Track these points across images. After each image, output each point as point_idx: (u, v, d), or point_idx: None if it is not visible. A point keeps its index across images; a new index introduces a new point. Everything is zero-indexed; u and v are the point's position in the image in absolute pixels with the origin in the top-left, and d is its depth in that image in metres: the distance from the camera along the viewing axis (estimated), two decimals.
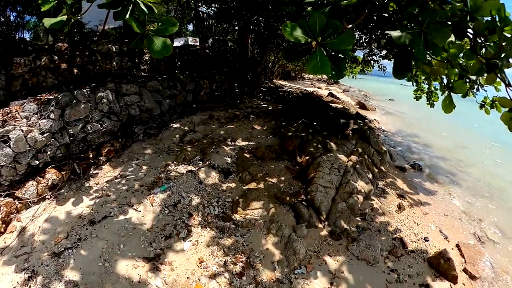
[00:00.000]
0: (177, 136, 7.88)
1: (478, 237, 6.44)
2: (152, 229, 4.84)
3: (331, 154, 7.17)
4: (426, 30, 2.63)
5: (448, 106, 3.60)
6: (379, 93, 31.99)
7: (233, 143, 7.73)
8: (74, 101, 5.90)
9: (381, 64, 15.18)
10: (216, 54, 12.41)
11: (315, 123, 9.18)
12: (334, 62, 2.40)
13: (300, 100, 10.57)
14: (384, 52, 13.70)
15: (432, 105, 11.26)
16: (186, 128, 8.31)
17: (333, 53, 2.40)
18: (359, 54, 15.79)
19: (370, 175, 7.35)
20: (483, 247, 6.14)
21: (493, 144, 15.76)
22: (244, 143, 7.83)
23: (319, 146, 7.55)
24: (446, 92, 3.74)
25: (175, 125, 8.30)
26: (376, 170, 8.15)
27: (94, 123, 6.26)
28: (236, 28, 12.63)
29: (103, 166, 6.49)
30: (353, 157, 7.55)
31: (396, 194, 7.22)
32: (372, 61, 14.90)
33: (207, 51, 12.23)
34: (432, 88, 10.90)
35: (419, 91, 11.95)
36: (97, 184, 5.93)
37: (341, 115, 10.10)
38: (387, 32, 2.76)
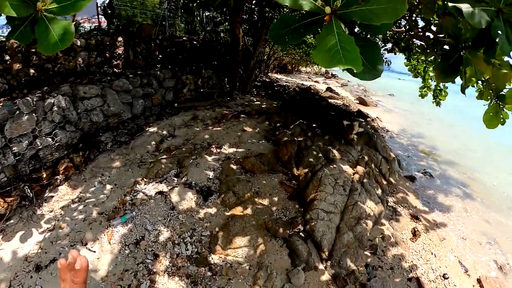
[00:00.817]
0: (153, 143, 6.61)
1: (499, 266, 5.35)
2: (108, 278, 3.65)
3: (334, 165, 5.95)
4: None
5: (493, 119, 2.44)
6: (378, 87, 30.65)
7: (218, 151, 6.47)
8: (17, 112, 4.61)
9: (386, 58, 13.88)
10: (204, 46, 11.05)
11: (314, 125, 7.93)
12: (365, 49, 1.27)
13: (298, 97, 9.28)
14: (389, 45, 12.44)
15: (438, 104, 10.08)
16: (164, 132, 7.04)
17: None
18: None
19: (379, 191, 6.17)
20: (506, 280, 5.05)
21: (503, 146, 14.59)
22: (231, 150, 6.58)
23: (320, 155, 6.31)
24: (494, 101, 2.55)
25: (151, 129, 7.03)
26: (385, 183, 6.98)
27: (44, 137, 4.97)
28: (228, 17, 11.25)
29: (60, 187, 5.32)
30: (360, 168, 6.35)
31: (409, 215, 6.06)
32: None
33: (194, 42, 10.86)
34: (441, 87, 9.77)
35: (426, 89, 10.81)
36: (50, 211, 4.81)
37: (344, 115, 8.85)
38: (452, 4, 1.52)
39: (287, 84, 17.97)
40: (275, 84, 14.43)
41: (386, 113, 17.64)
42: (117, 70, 7.41)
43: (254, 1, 10.91)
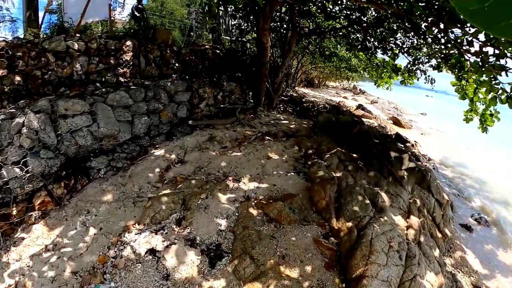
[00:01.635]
0: (157, 170, 5.28)
1: None
2: None
3: (385, 217, 4.39)
4: None
5: None
6: (408, 105, 28.55)
7: (235, 185, 5.04)
8: None
9: (429, 76, 12.10)
10: (228, 55, 9.76)
11: (355, 155, 6.39)
12: None
13: (333, 119, 7.76)
14: (434, 61, 10.75)
15: (485, 130, 8.39)
16: (172, 156, 5.70)
17: None
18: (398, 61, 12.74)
19: (436, 252, 4.59)
20: None
21: None
22: (252, 185, 5.13)
23: (367, 201, 4.76)
24: None
25: (157, 152, 5.70)
26: (440, 236, 5.36)
27: (11, 167, 3.73)
28: (254, 25, 9.97)
29: (34, 226, 4.11)
30: (414, 221, 4.79)
31: (471, 285, 4.45)
32: (418, 71, 11.86)
33: (217, 51, 9.59)
34: (492, 111, 8.07)
35: (472, 112, 9.03)
36: (18, 260, 3.63)
37: (388, 143, 7.24)
38: None
39: (315, 99, 16.48)
40: (303, 100, 12.95)
41: (422, 136, 15.75)
42: (123, 79, 6.18)
43: (284, 7, 9.59)
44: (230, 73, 9.47)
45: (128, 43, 6.27)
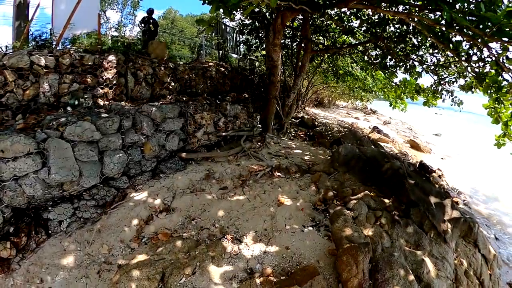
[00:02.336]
0: (134, 222, 4.00)
1: None
2: None
3: None
4: None
5: None
6: (420, 124, 27.08)
7: (235, 249, 3.71)
8: None
9: (456, 97, 10.74)
10: (234, 74, 8.60)
11: (387, 200, 5.03)
12: None
13: (356, 151, 6.43)
14: (462, 80, 9.51)
15: None
16: (157, 201, 4.42)
17: None
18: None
19: None
20: None
21: None
22: (257, 248, 3.79)
23: (410, 275, 3.41)
24: None
25: (138, 197, 4.43)
26: None
27: None
28: (263, 40, 8.85)
29: None
30: None
31: None
32: (444, 92, 10.52)
33: (222, 69, 8.44)
34: None
35: (506, 137, 7.76)
36: None
37: (425, 183, 5.85)
38: None
39: (327, 121, 15.21)
40: (315, 123, 11.68)
41: (444, 162, 14.28)
42: (103, 102, 4.99)
43: (295, 22, 8.48)
44: (236, 93, 8.28)
45: (111, 58, 5.11)
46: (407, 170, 6.06)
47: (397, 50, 8.97)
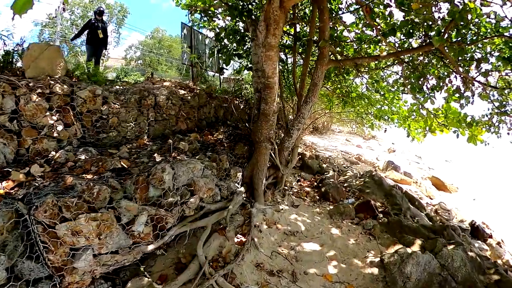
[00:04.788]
0: None
1: None
2: None
3: None
4: None
5: None
6: (424, 148, 23.76)
7: None
8: None
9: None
10: (205, 99, 5.05)
11: None
12: None
13: (436, 269, 2.87)
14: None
15: None
16: None
17: None
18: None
19: None
20: None
21: None
22: None
23: None
24: None
25: None
26: None
27: None
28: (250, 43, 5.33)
29: None
30: None
31: None
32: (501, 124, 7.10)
33: (183, 92, 4.89)
34: None
35: None
36: None
37: None
38: None
39: (330, 154, 11.70)
40: (322, 165, 8.05)
41: (476, 204, 10.88)
42: None
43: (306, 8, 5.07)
44: (201, 132, 4.71)
45: None
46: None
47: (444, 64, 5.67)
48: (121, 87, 4.60)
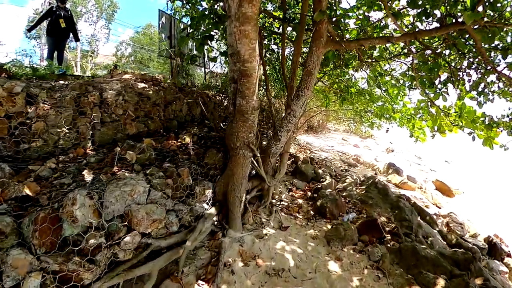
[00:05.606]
0: None
1: None
2: None
3: None
4: None
5: None
6: (419, 148, 22.80)
7: None
8: None
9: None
10: (173, 95, 3.96)
11: None
12: None
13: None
14: None
15: None
16: None
17: None
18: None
19: None
20: None
21: None
22: None
23: None
24: None
25: None
26: None
27: None
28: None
29: None
30: None
31: None
32: None
33: (143, 86, 3.81)
34: None
35: None
36: None
37: None
38: None
39: (326, 155, 10.66)
40: (318, 170, 6.97)
41: (483, 211, 9.94)
42: None
43: None
44: (159, 138, 3.63)
45: None
46: None
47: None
48: (61, 83, 3.52)
